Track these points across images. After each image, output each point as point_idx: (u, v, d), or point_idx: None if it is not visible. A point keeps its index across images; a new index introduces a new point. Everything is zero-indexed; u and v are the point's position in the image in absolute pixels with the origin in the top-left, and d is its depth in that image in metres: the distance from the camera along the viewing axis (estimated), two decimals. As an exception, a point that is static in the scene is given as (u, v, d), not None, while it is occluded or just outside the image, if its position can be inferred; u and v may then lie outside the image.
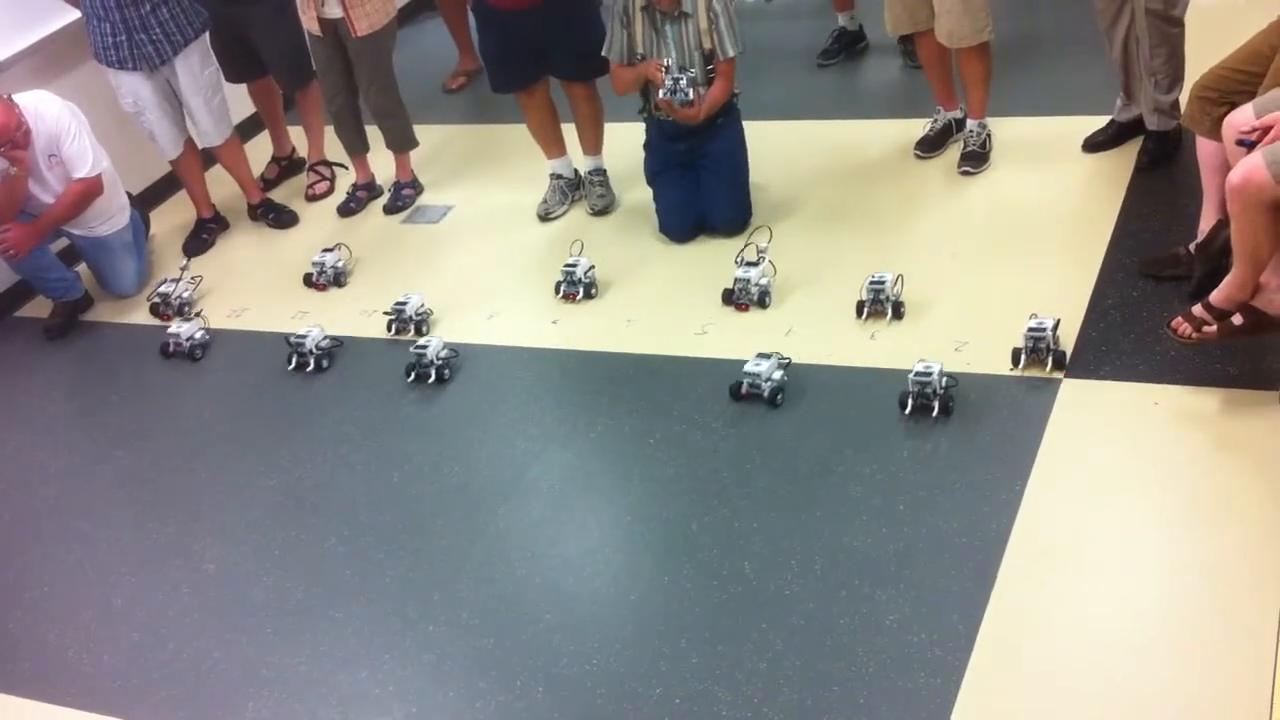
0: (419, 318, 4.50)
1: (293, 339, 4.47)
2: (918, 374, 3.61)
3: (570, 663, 3.11)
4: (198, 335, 4.75)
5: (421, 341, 4.27)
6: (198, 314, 4.93)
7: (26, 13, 5.24)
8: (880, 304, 4.03)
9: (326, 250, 4.95)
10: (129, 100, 5.13)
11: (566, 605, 3.29)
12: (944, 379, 3.62)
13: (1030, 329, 3.69)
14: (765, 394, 3.80)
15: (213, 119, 5.27)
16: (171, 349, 4.73)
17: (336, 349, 4.51)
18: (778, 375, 3.82)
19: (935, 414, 3.60)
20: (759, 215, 4.72)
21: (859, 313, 4.06)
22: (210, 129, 5.29)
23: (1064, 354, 3.69)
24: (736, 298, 4.26)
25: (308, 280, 4.94)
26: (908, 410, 3.63)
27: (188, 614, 3.54)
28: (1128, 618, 2.92)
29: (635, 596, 3.29)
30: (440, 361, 4.24)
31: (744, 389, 3.84)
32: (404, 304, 4.51)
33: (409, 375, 4.27)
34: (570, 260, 4.51)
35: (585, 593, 3.33)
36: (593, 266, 4.51)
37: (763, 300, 4.24)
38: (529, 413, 4.06)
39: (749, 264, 4.28)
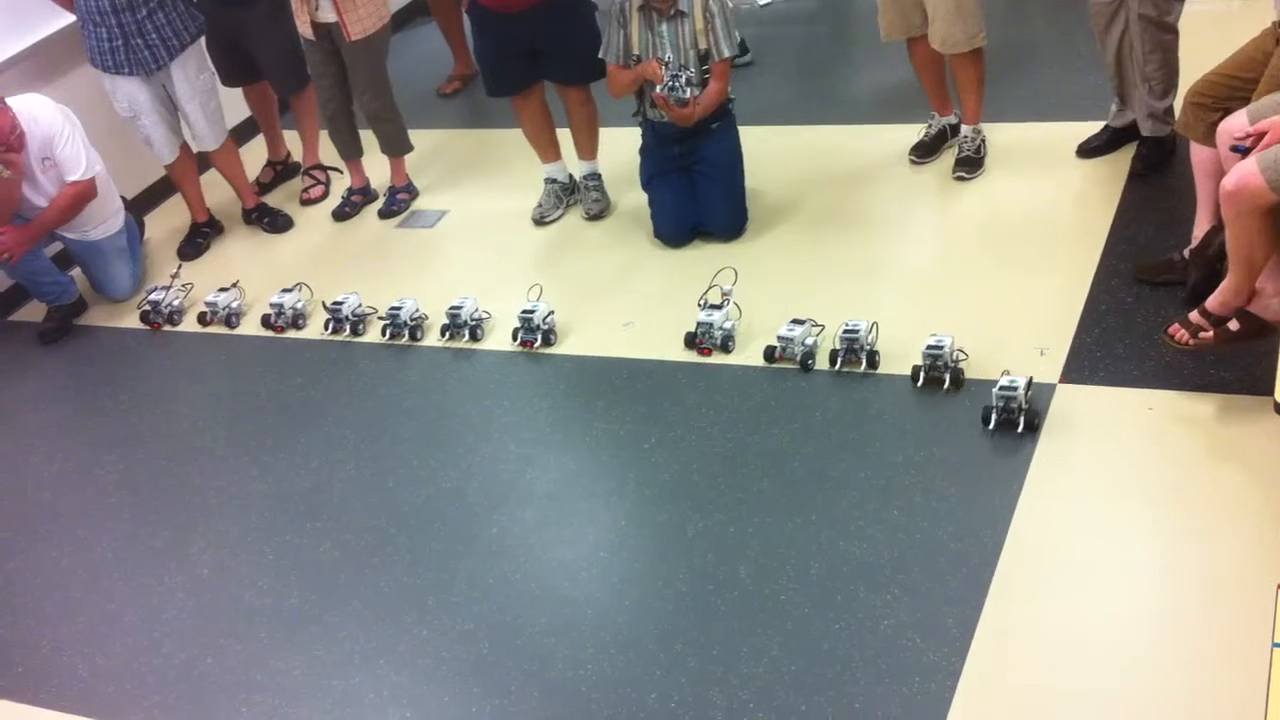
0: (414, 322, 4.50)
1: (329, 305, 4.60)
2: (929, 348, 3.70)
3: (565, 667, 3.11)
4: (234, 304, 4.86)
5: (456, 302, 4.44)
6: (234, 284, 4.96)
7: (21, 16, 5.24)
8: (855, 354, 3.87)
9: (285, 290, 4.79)
10: (124, 105, 5.13)
11: (562, 610, 3.29)
12: (956, 353, 3.71)
13: (1001, 388, 3.49)
14: (798, 358, 3.91)
15: (208, 124, 5.27)
16: (209, 318, 4.86)
17: (371, 315, 4.62)
18: (810, 341, 3.92)
19: (945, 387, 3.69)
20: (754, 220, 4.73)
21: (832, 362, 3.91)
22: (206, 134, 5.29)
23: (1037, 414, 3.51)
24: (699, 342, 4.12)
25: (265, 322, 4.77)
26: (919, 383, 3.74)
27: (182, 619, 3.53)
28: (1122, 623, 2.92)
29: (630, 601, 3.29)
30: (474, 322, 4.42)
31: (778, 354, 3.96)
32: (398, 309, 4.51)
33: (444, 335, 4.45)
34: (528, 306, 4.34)
35: (580, 597, 3.32)
36: (551, 312, 4.34)
37: (726, 345, 4.08)
38: (524, 417, 4.06)
39: (713, 306, 4.15)
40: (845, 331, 3.87)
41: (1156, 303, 3.87)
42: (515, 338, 4.35)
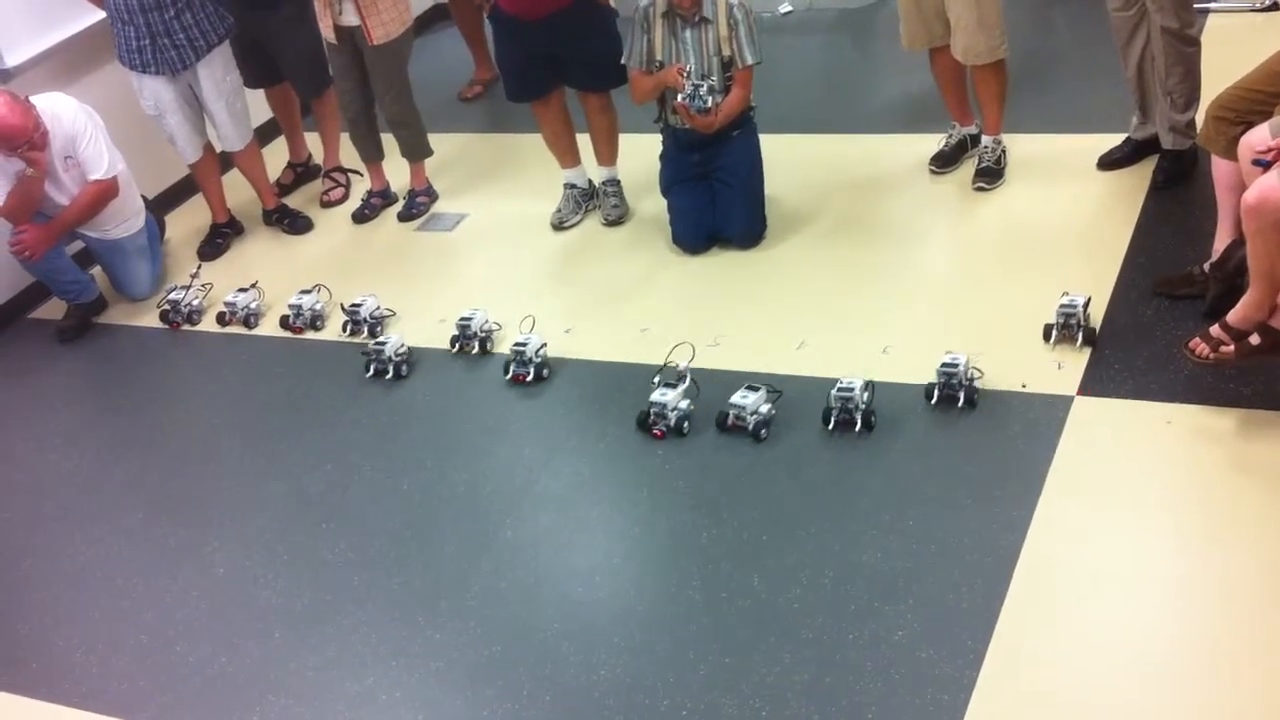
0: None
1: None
2: (944, 364, 3.66)
3: (578, 672, 3.10)
4: (253, 305, 4.86)
5: (465, 313, 4.39)
6: (254, 285, 4.96)
7: (47, 16, 5.26)
8: (848, 413, 3.60)
9: (304, 292, 4.79)
10: (150, 103, 5.16)
11: (574, 614, 3.29)
12: (971, 371, 3.67)
13: (1062, 305, 3.78)
14: (750, 427, 3.70)
15: (234, 124, 5.29)
16: (228, 318, 4.87)
17: (389, 317, 4.64)
18: (765, 409, 3.71)
19: (961, 404, 3.65)
20: (772, 227, 4.73)
21: (825, 420, 3.66)
22: (231, 134, 5.31)
23: (1094, 330, 3.80)
24: (652, 423, 3.80)
25: (284, 323, 4.78)
26: (933, 401, 3.69)
27: (196, 617, 3.54)
28: (1138, 637, 2.91)
29: (643, 607, 3.28)
30: (484, 334, 4.39)
31: (730, 421, 3.76)
32: (383, 344, 4.39)
33: (453, 347, 4.41)
34: (519, 339, 4.19)
35: (593, 602, 3.32)
36: (544, 345, 4.20)
37: (680, 428, 3.77)
38: (538, 421, 4.06)
39: (667, 385, 3.82)
40: (840, 390, 3.62)
41: (1176, 316, 3.85)
42: (507, 371, 4.21)
